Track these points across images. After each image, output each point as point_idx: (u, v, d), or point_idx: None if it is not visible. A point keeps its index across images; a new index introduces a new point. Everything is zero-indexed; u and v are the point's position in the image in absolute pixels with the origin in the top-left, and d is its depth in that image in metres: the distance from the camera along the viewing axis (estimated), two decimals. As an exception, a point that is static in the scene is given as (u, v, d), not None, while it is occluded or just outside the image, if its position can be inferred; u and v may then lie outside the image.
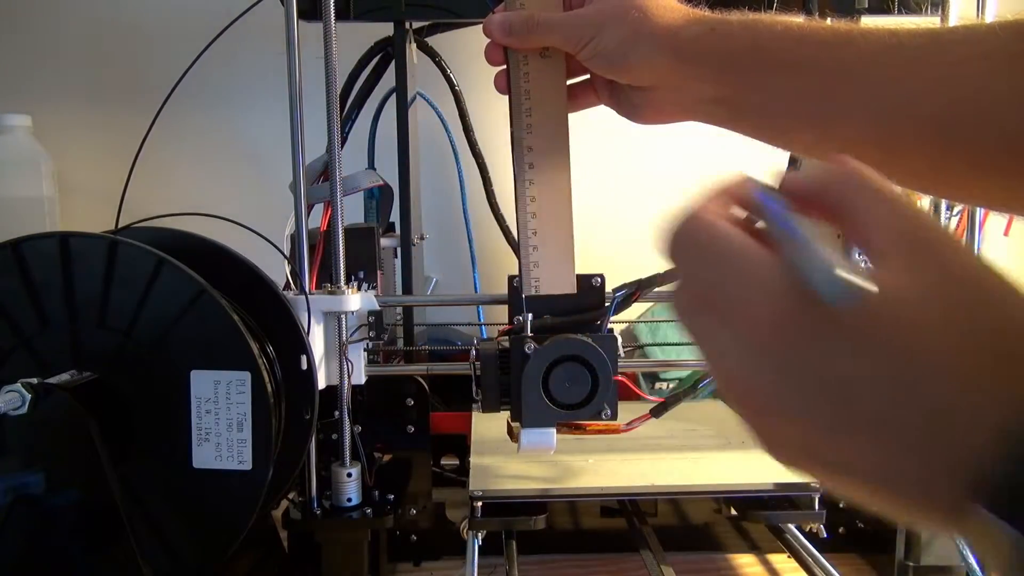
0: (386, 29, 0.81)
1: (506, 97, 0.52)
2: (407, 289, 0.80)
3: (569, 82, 0.52)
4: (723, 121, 0.47)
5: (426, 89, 0.93)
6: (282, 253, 0.69)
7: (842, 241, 0.28)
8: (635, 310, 0.79)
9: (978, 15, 0.65)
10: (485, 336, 0.97)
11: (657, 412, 0.62)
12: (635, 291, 0.64)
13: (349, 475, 0.67)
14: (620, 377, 0.60)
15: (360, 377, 0.68)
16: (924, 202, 1.09)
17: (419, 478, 0.73)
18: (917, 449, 0.24)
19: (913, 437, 0.24)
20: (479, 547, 0.65)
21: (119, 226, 0.61)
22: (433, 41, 0.88)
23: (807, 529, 0.68)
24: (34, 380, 0.51)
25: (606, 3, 0.46)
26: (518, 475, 0.70)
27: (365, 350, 0.69)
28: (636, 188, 1.14)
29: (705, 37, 0.44)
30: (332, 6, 0.65)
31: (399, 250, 0.82)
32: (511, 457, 0.73)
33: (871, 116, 0.41)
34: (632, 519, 0.76)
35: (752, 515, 0.67)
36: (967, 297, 0.25)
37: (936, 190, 0.46)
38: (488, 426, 0.77)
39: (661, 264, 0.67)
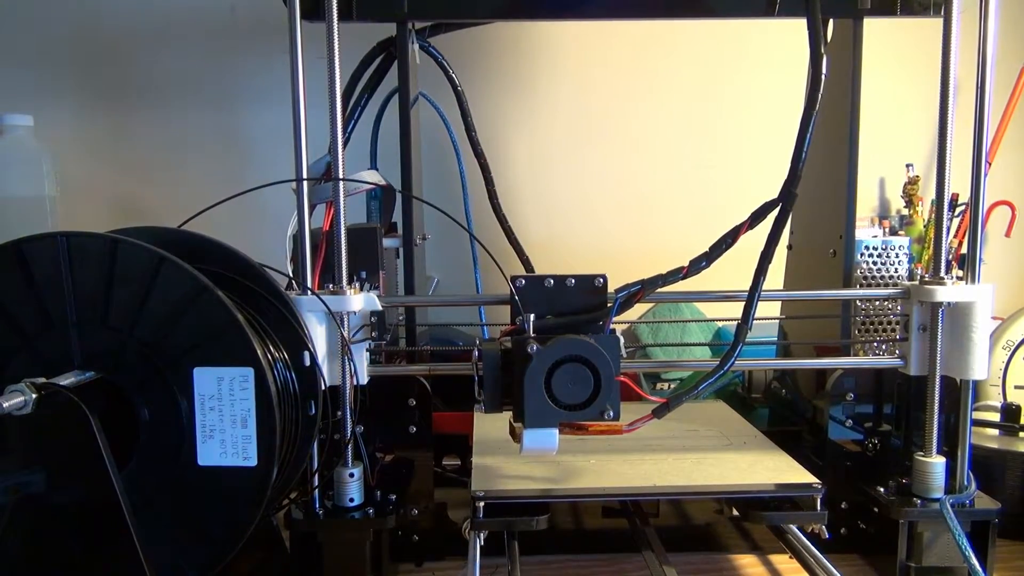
0: (388, 29, 0.81)
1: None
2: (409, 289, 0.80)
3: None
4: None
5: (428, 89, 0.93)
6: (285, 253, 0.69)
7: None
8: (636, 311, 0.79)
9: (979, 16, 0.65)
10: (487, 336, 0.97)
11: (659, 413, 0.62)
12: (637, 292, 0.65)
13: (351, 475, 0.67)
14: (622, 377, 0.60)
15: (362, 377, 0.68)
16: (925, 202, 1.09)
17: (421, 478, 0.73)
18: None
19: None
20: (481, 547, 0.65)
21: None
22: (436, 41, 0.89)
23: (809, 530, 0.68)
24: (38, 380, 0.51)
25: None
26: (520, 475, 0.70)
27: (367, 350, 0.69)
28: (640, 190, 1.15)
29: None
30: (335, 6, 0.65)
31: (401, 250, 0.82)
32: (513, 457, 0.73)
33: None
34: (634, 520, 0.76)
35: (754, 516, 0.67)
36: None
37: None
38: (490, 426, 0.77)
39: (663, 265, 0.67)
